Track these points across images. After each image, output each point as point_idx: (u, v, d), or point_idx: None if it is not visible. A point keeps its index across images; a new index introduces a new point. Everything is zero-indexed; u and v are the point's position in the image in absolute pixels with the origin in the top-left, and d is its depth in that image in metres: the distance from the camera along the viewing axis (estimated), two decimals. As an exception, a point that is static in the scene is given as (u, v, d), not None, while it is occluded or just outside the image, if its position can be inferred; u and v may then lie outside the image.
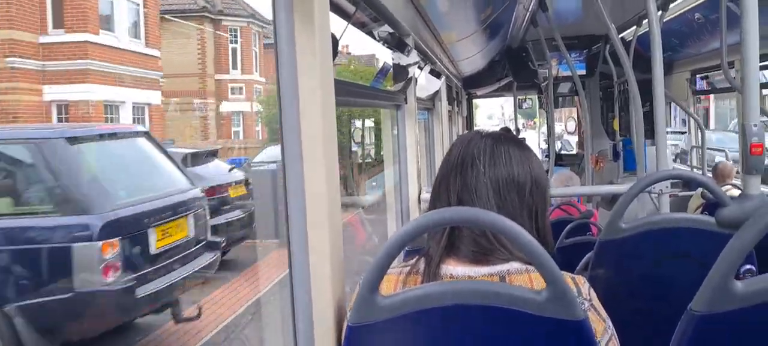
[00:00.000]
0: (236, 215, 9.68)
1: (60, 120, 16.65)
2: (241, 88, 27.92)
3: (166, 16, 23.30)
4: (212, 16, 26.85)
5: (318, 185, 1.30)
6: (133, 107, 18.89)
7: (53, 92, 16.85)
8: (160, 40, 21.07)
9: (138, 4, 19.74)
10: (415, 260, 1.25)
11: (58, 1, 16.99)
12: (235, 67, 27.94)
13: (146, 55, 19.59)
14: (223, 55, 27.40)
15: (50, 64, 16.83)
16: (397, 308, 1.05)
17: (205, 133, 25.81)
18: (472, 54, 5.47)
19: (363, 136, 16.74)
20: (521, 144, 1.31)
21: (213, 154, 10.87)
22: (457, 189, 1.25)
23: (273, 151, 16.17)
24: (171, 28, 24.42)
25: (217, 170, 10.22)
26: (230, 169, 10.62)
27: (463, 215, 1.09)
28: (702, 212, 3.73)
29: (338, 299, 1.33)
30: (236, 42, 27.90)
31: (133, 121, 18.42)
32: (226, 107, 27.31)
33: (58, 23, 17.04)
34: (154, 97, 19.91)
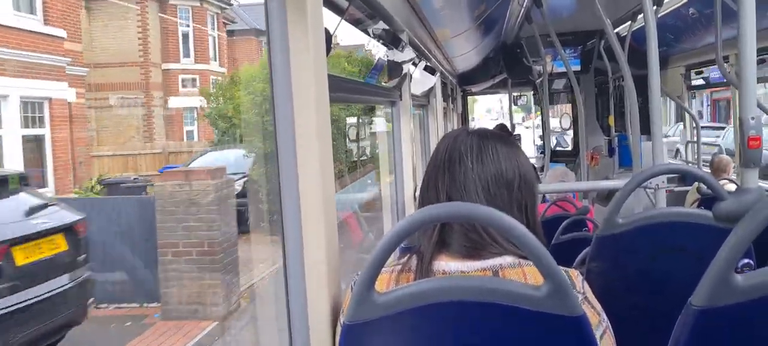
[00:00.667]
0: (39, 292, 5.63)
1: None
2: (194, 80, 23.33)
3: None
4: (156, -7, 22.33)
5: (312, 180, 1.30)
6: (23, 103, 14.19)
7: None
8: (76, 17, 16.73)
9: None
10: (406, 257, 1.25)
11: None
12: (186, 54, 23.63)
13: (45, 34, 14.91)
14: (172, 41, 23.22)
15: None
16: (394, 305, 1.04)
17: (149, 134, 21.88)
18: (466, 50, 5.46)
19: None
20: (507, 140, 1.31)
21: (19, 181, 6.66)
22: (446, 186, 1.25)
23: (215, 157, 13.70)
24: (103, 7, 20.97)
25: (11, 213, 5.99)
26: (31, 212, 6.22)
27: (459, 211, 1.09)
28: (698, 207, 3.73)
29: (334, 297, 1.32)
30: (188, 25, 23.54)
31: (25, 122, 14.20)
32: (175, 102, 23.13)
33: None
34: (59, 89, 15.14)
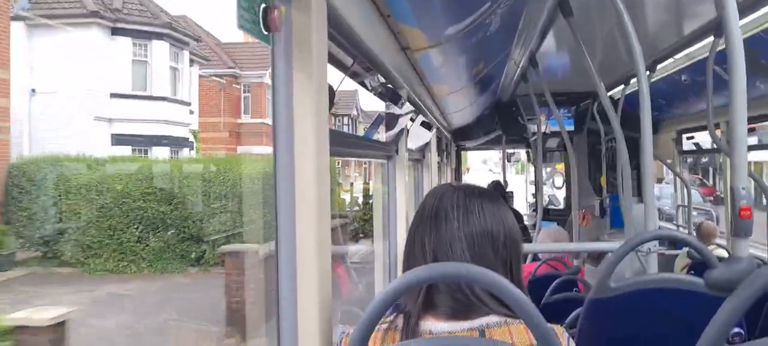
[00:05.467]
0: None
1: None
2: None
3: None
4: None
5: (309, 230, 1.30)
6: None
7: None
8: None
9: None
10: (393, 317, 1.23)
11: None
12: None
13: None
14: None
15: None
16: None
17: None
18: (462, 107, 5.52)
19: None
20: (493, 197, 1.31)
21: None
22: (432, 244, 1.24)
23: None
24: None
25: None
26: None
27: (450, 271, 1.08)
28: (688, 272, 3.73)
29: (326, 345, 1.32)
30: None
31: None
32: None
33: None
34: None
